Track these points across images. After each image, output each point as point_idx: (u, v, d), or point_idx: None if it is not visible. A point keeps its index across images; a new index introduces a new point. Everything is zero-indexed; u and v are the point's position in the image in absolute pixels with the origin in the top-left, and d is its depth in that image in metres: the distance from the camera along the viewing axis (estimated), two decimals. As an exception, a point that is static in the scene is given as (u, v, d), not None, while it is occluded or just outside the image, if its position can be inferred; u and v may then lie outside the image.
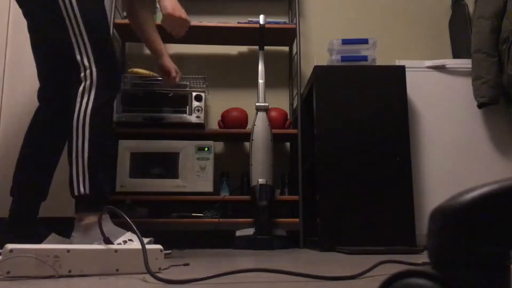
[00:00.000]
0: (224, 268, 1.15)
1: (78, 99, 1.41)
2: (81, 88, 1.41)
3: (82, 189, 1.37)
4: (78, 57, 1.43)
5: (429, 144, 2.38)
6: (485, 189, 0.41)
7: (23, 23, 1.66)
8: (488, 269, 0.41)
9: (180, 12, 1.61)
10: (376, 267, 1.05)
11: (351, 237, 2.05)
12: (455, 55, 2.84)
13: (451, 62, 2.50)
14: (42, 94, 1.67)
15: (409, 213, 2.09)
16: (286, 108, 2.84)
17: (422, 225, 2.17)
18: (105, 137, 1.47)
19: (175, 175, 2.39)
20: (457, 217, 0.42)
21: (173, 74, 1.96)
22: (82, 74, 1.42)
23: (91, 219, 1.35)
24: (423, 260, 1.22)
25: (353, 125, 2.19)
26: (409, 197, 2.11)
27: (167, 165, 2.40)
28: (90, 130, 1.39)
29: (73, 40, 1.43)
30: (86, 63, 1.42)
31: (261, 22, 2.56)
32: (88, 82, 1.41)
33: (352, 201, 2.11)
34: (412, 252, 1.86)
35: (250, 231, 2.30)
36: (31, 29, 1.64)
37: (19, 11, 1.65)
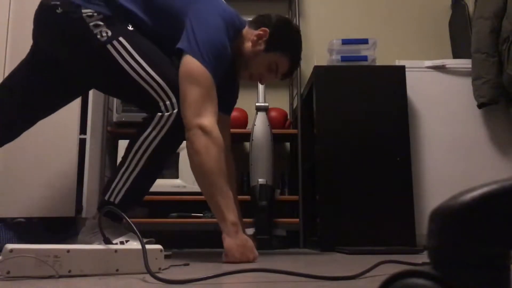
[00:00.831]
0: (224, 268, 1.15)
1: (152, 123, 1.39)
2: (159, 115, 1.39)
3: (112, 198, 1.38)
4: (155, 95, 1.40)
5: (429, 144, 2.38)
6: (485, 189, 0.41)
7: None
8: (488, 269, 0.41)
9: (248, 257, 1.37)
10: (376, 267, 1.04)
11: (351, 237, 2.05)
12: (455, 55, 2.84)
13: (451, 62, 2.50)
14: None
15: (409, 213, 2.09)
16: (286, 108, 2.83)
17: (422, 225, 2.17)
18: (160, 169, 1.48)
19: (175, 175, 2.39)
20: (457, 217, 0.42)
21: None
22: (163, 107, 1.39)
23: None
24: (423, 260, 1.22)
25: (353, 125, 2.19)
26: (409, 197, 2.11)
27: (167, 165, 2.39)
28: (148, 160, 1.38)
29: (143, 84, 1.40)
30: (164, 96, 1.40)
31: (261, 22, 2.56)
32: (168, 113, 1.38)
33: (352, 201, 2.11)
34: (412, 252, 1.86)
35: (250, 231, 2.30)
36: (54, 62, 1.57)
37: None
